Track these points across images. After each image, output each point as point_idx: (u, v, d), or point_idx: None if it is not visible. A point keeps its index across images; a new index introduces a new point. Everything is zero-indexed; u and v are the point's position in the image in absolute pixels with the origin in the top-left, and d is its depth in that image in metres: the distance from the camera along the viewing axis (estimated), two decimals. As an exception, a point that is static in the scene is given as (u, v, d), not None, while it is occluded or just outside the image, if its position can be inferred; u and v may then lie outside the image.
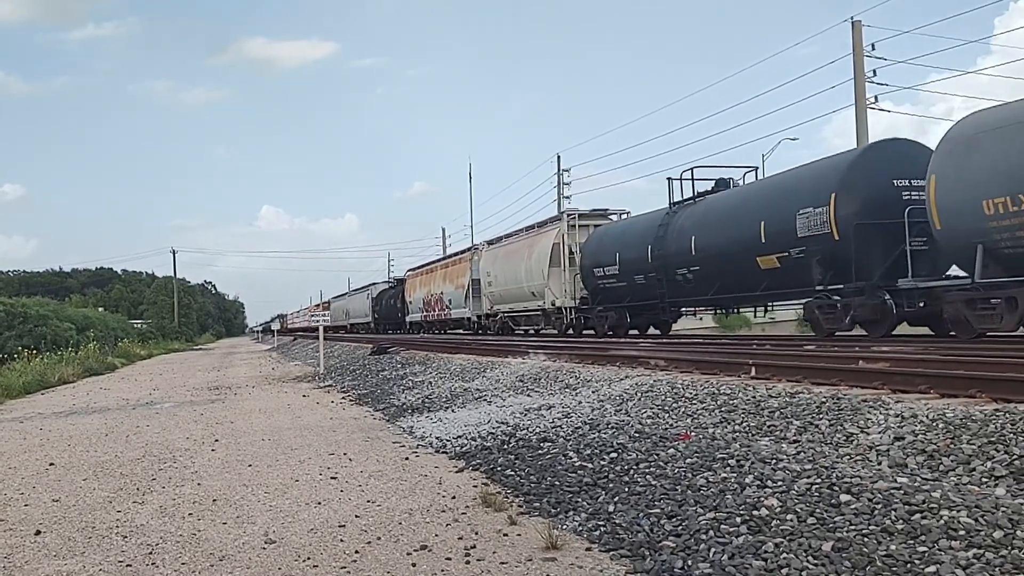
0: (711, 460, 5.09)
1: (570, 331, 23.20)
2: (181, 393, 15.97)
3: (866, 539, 3.53)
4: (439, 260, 40.04)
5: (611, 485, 5.13)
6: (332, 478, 6.28)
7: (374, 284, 57.52)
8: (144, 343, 52.75)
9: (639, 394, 8.11)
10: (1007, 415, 4.85)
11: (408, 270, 45.63)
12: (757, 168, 18.54)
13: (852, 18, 25.28)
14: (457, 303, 33.12)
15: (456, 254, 36.48)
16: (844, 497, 3.99)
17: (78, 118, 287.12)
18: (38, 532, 5.04)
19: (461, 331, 33.49)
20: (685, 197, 18.67)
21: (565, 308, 22.95)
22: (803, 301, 14.79)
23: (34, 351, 26.53)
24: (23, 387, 18.48)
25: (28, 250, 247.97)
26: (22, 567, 4.34)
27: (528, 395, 9.69)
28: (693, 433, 6.02)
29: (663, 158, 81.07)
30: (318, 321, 25.14)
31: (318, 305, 77.98)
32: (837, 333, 13.76)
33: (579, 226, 23.28)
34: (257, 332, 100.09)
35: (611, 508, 4.69)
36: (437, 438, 7.81)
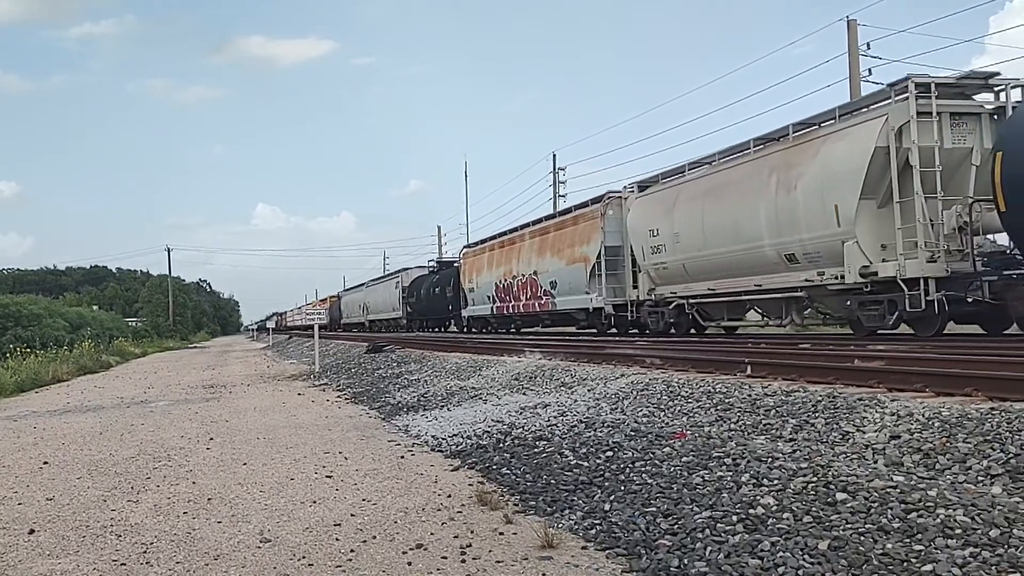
0: (707, 459, 5.08)
1: (908, 330, 12.49)
2: (176, 391, 15.93)
3: (862, 538, 3.52)
4: (528, 226, 26.65)
5: (607, 484, 5.12)
6: (327, 477, 6.27)
7: (406, 270, 45.66)
8: (139, 341, 52.69)
9: (635, 392, 8.10)
10: (1003, 413, 4.85)
11: (465, 246, 33.83)
12: None
13: (847, 17, 25.30)
14: (571, 286, 21.74)
15: (568, 211, 23.76)
16: (840, 496, 3.99)
17: (75, 116, 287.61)
18: (32, 531, 5.02)
19: (575, 330, 23.72)
20: None
21: (911, 281, 11.45)
22: None
23: (28, 349, 26.46)
24: (17, 385, 18.45)
25: (23, 248, 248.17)
26: (16, 566, 4.32)
27: (524, 393, 9.68)
28: (689, 431, 6.01)
29: (658, 157, 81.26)
30: (313, 320, 24.99)
31: (323, 300, 73.71)
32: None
33: (939, 112, 11.63)
34: (252, 331, 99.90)
35: (607, 507, 4.68)
36: (433, 436, 7.80)
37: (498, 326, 29.06)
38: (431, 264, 43.02)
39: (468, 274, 31.29)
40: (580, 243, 21.44)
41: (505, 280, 27.01)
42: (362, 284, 60.23)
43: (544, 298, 23.65)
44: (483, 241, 31.53)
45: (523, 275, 25.33)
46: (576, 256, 21.58)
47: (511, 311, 26.77)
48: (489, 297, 28.67)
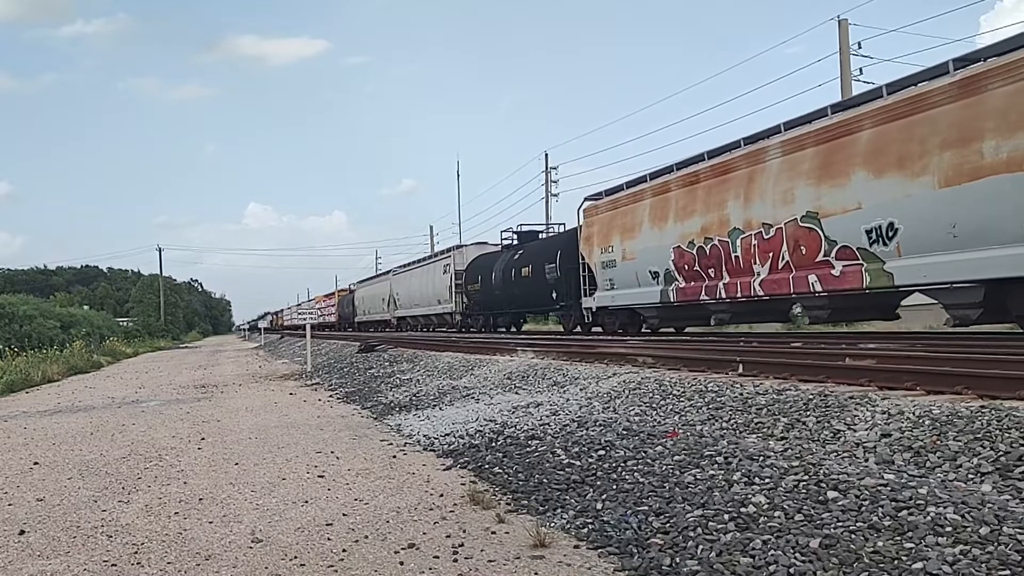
0: (699, 457, 5.09)
1: None
2: (167, 391, 15.87)
3: (853, 536, 3.53)
4: (764, 136, 14.58)
5: (599, 483, 5.13)
6: (319, 476, 6.25)
7: (460, 247, 34.00)
8: (130, 341, 52.45)
9: (627, 391, 8.11)
10: (993, 411, 4.87)
11: (587, 198, 21.03)
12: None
13: (839, 17, 25.42)
14: (961, 232, 10.15)
15: (922, 75, 11.34)
16: (831, 494, 4.01)
17: (66, 115, 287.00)
18: (22, 532, 4.99)
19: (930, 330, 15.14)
20: None
21: None
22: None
23: (18, 349, 26.33)
24: (7, 386, 18.32)
25: (14, 248, 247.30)
26: (5, 567, 4.29)
27: (516, 392, 9.68)
28: (681, 430, 6.02)
29: (650, 156, 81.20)
30: (306, 319, 24.92)
31: (329, 295, 69.69)
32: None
33: None
34: (244, 330, 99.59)
35: (599, 506, 4.68)
36: (425, 436, 7.79)
37: (675, 322, 18.12)
38: (507, 237, 29.97)
39: (599, 240, 19.71)
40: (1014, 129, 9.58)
41: (700, 241, 15.58)
42: (386, 272, 48.09)
43: (840, 265, 12.21)
44: (631, 184, 18.96)
45: (764, 226, 13.80)
46: (998, 160, 9.76)
47: (721, 294, 15.06)
48: (655, 275, 17.14)
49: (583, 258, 20.58)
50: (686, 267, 16.23)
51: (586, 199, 21.12)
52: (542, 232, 28.81)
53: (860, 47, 25.44)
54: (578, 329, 21.81)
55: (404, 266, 43.36)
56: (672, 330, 18.17)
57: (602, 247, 19.58)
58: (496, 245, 31.63)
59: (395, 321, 42.55)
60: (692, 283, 16.07)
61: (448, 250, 35.09)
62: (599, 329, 20.92)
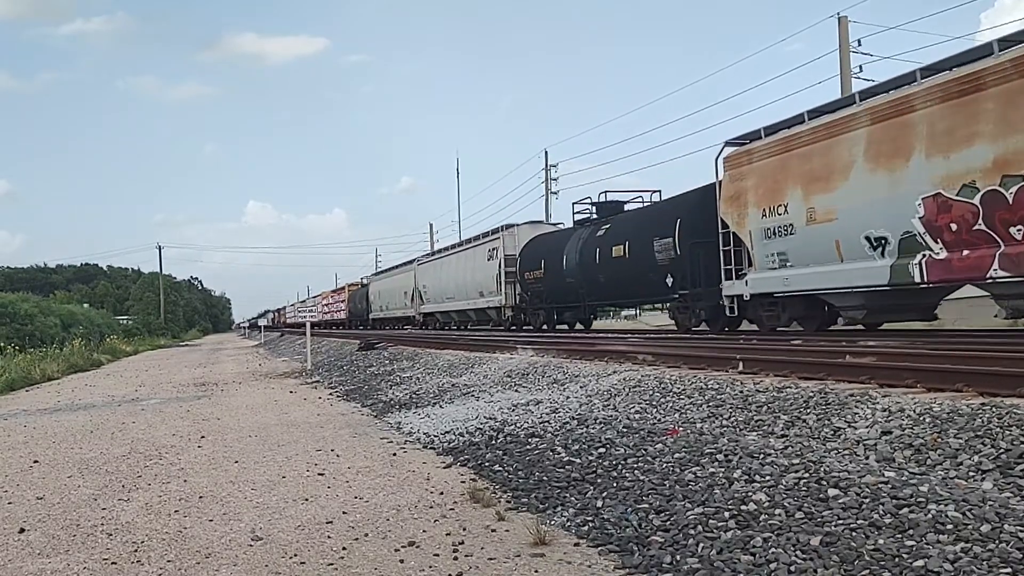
0: (699, 455, 5.09)
1: None
2: (167, 389, 15.87)
3: (854, 533, 3.53)
4: None
5: (599, 480, 5.12)
6: (319, 474, 6.25)
7: (510, 227, 27.31)
8: (130, 339, 52.38)
9: (627, 389, 8.10)
10: (994, 409, 4.86)
11: (729, 142, 15.10)
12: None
13: (839, 14, 25.40)
14: None
15: None
16: (832, 491, 4.00)
17: (65, 113, 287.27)
18: (22, 530, 4.99)
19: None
20: None
21: None
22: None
23: (19, 347, 26.33)
24: (7, 384, 18.33)
25: (14, 246, 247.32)
26: (5, 565, 4.29)
27: (516, 390, 9.68)
28: (681, 428, 6.02)
29: (649, 154, 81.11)
30: (305, 317, 24.92)
31: (338, 290, 65.92)
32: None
33: None
34: (244, 328, 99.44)
35: (599, 503, 4.68)
36: (425, 434, 7.79)
37: (902, 313, 12.92)
38: (582, 210, 23.30)
39: (757, 197, 14.09)
40: None
41: (989, 183, 9.95)
42: (408, 261, 40.72)
43: None
44: (816, 113, 13.16)
45: None
46: None
47: None
48: (878, 242, 11.58)
49: (725, 226, 14.91)
50: (953, 226, 10.53)
51: (727, 143, 15.28)
52: (629, 202, 22.18)
53: (860, 44, 25.44)
54: (703, 326, 16.47)
55: (433, 253, 37.51)
56: (703, 327, 15.15)
57: (764, 207, 13.84)
58: (552, 225, 27.31)
59: (420, 318, 36.27)
60: (967, 251, 10.39)
61: (495, 231, 28.22)
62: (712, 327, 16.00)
